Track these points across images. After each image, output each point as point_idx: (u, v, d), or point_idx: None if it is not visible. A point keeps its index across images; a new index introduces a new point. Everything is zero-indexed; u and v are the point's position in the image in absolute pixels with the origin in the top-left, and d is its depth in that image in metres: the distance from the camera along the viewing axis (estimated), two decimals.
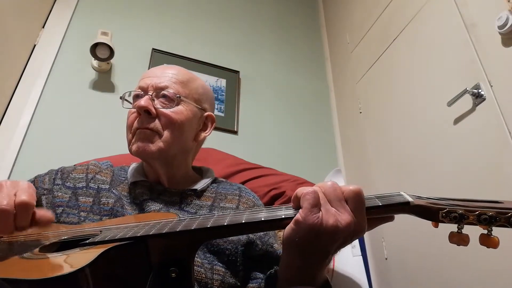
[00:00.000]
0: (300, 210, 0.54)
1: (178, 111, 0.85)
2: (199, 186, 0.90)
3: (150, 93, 0.85)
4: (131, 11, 2.10)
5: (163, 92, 0.86)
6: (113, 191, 0.85)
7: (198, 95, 0.91)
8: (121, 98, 0.93)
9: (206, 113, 0.94)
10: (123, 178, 0.91)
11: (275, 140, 2.05)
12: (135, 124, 0.85)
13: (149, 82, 0.87)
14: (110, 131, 1.73)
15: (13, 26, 1.60)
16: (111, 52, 1.75)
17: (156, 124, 0.83)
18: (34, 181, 0.89)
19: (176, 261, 0.56)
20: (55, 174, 0.89)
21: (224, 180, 1.02)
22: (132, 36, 2.02)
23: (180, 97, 0.86)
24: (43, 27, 1.86)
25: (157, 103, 0.85)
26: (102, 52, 1.75)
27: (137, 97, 0.88)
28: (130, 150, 0.86)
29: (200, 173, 0.98)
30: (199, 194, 0.89)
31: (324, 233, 0.53)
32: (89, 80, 1.83)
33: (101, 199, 0.83)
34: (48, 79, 1.73)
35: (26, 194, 0.59)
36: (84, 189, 0.85)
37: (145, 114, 0.84)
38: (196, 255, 0.74)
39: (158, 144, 0.82)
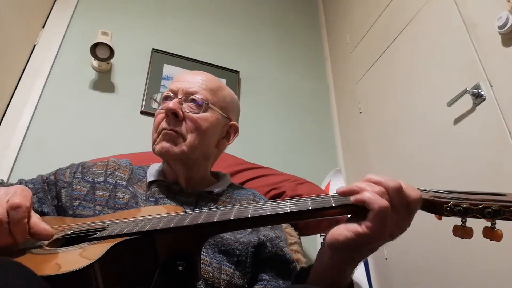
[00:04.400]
0: (370, 225, 0.52)
1: (204, 117, 0.87)
2: (216, 189, 0.92)
3: (180, 97, 0.87)
4: (131, 11, 2.10)
5: (192, 97, 0.88)
6: (130, 188, 0.87)
7: (225, 104, 0.93)
8: (151, 98, 0.97)
9: (231, 122, 0.96)
10: (141, 177, 0.92)
11: (275, 140, 2.05)
12: (162, 125, 0.86)
13: (180, 86, 0.89)
14: (110, 131, 1.73)
15: (13, 26, 1.60)
16: (111, 52, 1.75)
17: (182, 127, 0.85)
18: (55, 174, 0.90)
19: (183, 255, 0.57)
20: (76, 168, 0.91)
21: (239, 185, 1.04)
22: (132, 36, 2.02)
23: (208, 103, 0.88)
24: (43, 27, 1.86)
25: (185, 107, 0.87)
26: (102, 52, 1.75)
27: (166, 99, 0.90)
28: (153, 149, 0.88)
29: (217, 177, 1.00)
30: (215, 197, 0.90)
31: (385, 240, 0.54)
32: (89, 80, 1.83)
33: (117, 194, 0.84)
34: (48, 79, 1.73)
35: (18, 197, 0.57)
36: (102, 183, 0.87)
37: (172, 116, 0.86)
38: (205, 254, 0.75)
39: (182, 147, 0.84)
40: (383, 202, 0.52)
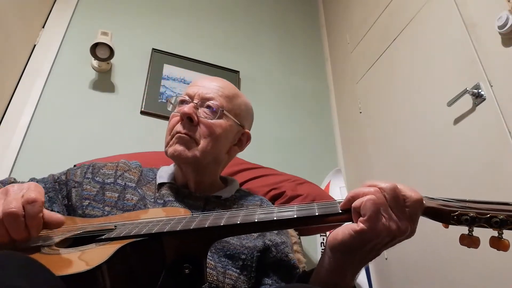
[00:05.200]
0: (363, 219, 0.54)
1: (218, 124, 0.88)
2: (224, 194, 0.93)
3: (196, 102, 0.89)
4: (131, 11, 2.10)
5: (208, 103, 0.89)
6: (138, 190, 0.88)
7: (239, 111, 0.95)
8: (167, 100, 0.97)
9: (244, 130, 0.97)
10: (151, 179, 0.94)
11: (275, 140, 2.05)
12: (176, 128, 0.88)
13: (197, 90, 0.90)
14: (110, 131, 1.73)
15: (13, 26, 1.60)
16: (111, 52, 1.75)
17: (196, 132, 0.86)
18: (67, 174, 0.92)
19: (190, 257, 0.58)
20: (86, 169, 0.93)
21: (247, 191, 1.05)
22: (132, 36, 2.02)
23: (223, 110, 0.89)
24: (43, 27, 1.86)
25: (201, 112, 0.88)
26: (102, 52, 1.75)
27: (182, 102, 0.92)
28: (166, 151, 0.89)
29: (225, 182, 1.00)
30: (223, 202, 0.91)
31: (383, 239, 0.55)
32: (89, 80, 1.83)
33: (126, 195, 0.86)
34: (48, 79, 1.73)
35: (33, 192, 0.58)
36: (112, 184, 0.88)
37: (187, 120, 0.87)
38: (211, 258, 0.75)
39: (194, 151, 0.85)
40: (372, 196, 0.54)
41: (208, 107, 0.89)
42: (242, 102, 0.97)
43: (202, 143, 0.86)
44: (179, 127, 0.87)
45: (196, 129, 0.86)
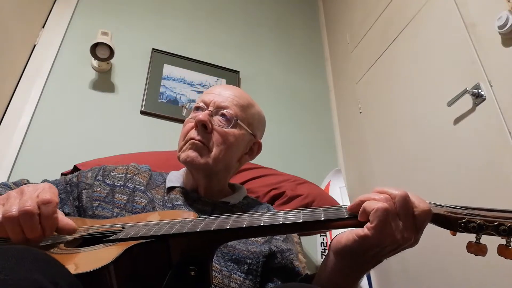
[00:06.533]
0: (370, 226, 0.54)
1: (231, 132, 0.89)
2: (232, 200, 0.94)
3: (211, 109, 0.90)
4: (131, 11, 2.10)
5: (222, 111, 0.90)
6: (147, 193, 0.90)
7: (253, 121, 0.96)
8: (182, 106, 1.00)
9: (255, 140, 0.98)
10: (160, 182, 0.95)
11: (275, 140, 2.05)
12: (190, 134, 0.89)
13: (212, 98, 0.92)
14: (110, 131, 1.73)
15: (13, 26, 1.60)
16: (111, 52, 1.75)
17: (209, 139, 0.88)
18: (78, 176, 0.94)
19: (195, 260, 0.58)
20: (97, 171, 0.94)
21: (254, 198, 1.07)
22: (132, 36, 2.02)
23: (237, 119, 0.91)
24: (43, 27, 1.86)
25: (215, 120, 0.89)
26: (102, 52, 1.75)
27: (197, 109, 0.93)
28: (178, 156, 0.90)
29: (233, 189, 1.02)
30: (230, 208, 0.92)
31: (388, 246, 0.55)
32: (89, 80, 1.83)
33: (135, 198, 0.87)
34: (48, 79, 1.74)
35: (48, 193, 0.59)
36: (122, 187, 0.90)
37: (201, 127, 0.88)
38: (217, 262, 0.76)
39: (207, 158, 0.87)
40: (381, 204, 0.54)
41: (223, 115, 0.90)
42: (255, 112, 0.98)
43: (215, 150, 0.87)
44: (193, 134, 0.88)
45: (210, 137, 0.87)
